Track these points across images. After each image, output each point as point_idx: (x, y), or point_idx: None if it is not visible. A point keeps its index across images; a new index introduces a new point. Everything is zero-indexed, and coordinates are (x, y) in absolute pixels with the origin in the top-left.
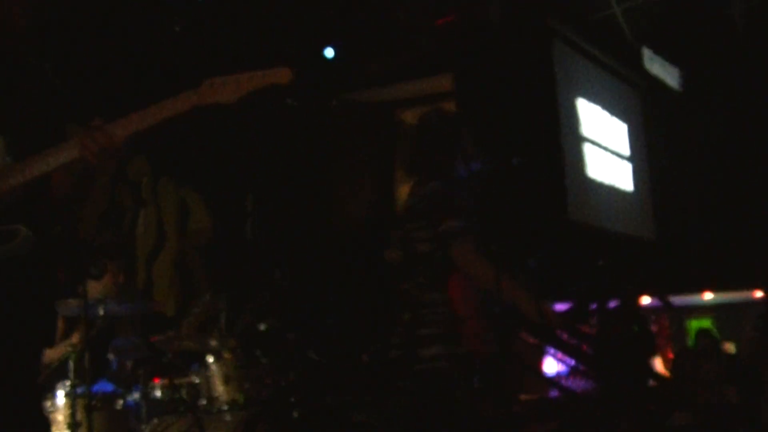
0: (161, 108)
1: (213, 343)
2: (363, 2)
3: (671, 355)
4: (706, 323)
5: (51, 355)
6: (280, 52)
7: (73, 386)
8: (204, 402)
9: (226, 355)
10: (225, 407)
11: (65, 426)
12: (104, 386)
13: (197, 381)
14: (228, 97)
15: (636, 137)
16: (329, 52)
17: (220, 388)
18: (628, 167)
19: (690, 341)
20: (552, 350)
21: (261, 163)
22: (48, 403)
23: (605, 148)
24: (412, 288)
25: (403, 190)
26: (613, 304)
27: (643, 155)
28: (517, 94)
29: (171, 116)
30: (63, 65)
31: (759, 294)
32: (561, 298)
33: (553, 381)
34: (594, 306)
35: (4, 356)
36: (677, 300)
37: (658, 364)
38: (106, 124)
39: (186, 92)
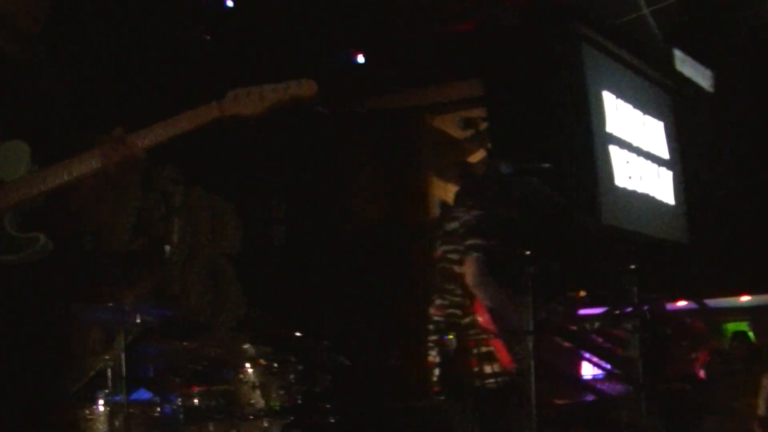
0: (183, 119)
1: (248, 349)
2: (389, 9)
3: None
4: (742, 326)
5: (89, 363)
6: (308, 59)
7: (111, 394)
8: (240, 409)
9: (261, 361)
10: (261, 414)
11: None
12: (142, 394)
13: (233, 388)
14: (251, 109)
15: (669, 139)
16: (360, 59)
17: (255, 395)
18: (662, 170)
19: (726, 344)
20: (587, 354)
21: (290, 170)
22: (87, 411)
23: (639, 151)
24: (447, 306)
25: (435, 193)
26: (646, 307)
27: (676, 157)
28: (546, 98)
29: (193, 128)
30: (88, 73)
31: None
32: (594, 303)
33: (589, 385)
34: (628, 310)
35: (13, 361)
36: (713, 303)
37: (693, 367)
38: (128, 134)
39: (209, 104)
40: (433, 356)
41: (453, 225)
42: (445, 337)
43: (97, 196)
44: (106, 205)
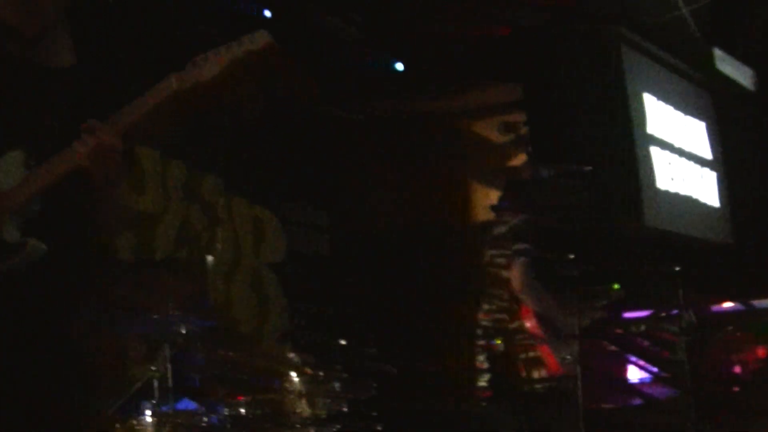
0: (148, 96)
1: (293, 358)
2: (427, 14)
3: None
4: None
5: (134, 374)
6: (347, 67)
7: (157, 405)
8: (286, 418)
9: (307, 370)
10: (307, 422)
11: None
12: (188, 404)
13: (279, 397)
14: (209, 72)
15: (712, 140)
16: (399, 66)
17: (301, 404)
18: (705, 170)
19: None
20: (634, 358)
21: (332, 178)
22: (134, 422)
23: (681, 152)
24: (495, 311)
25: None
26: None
27: (719, 157)
28: (586, 100)
29: (158, 102)
30: (97, 76)
31: None
32: (640, 306)
33: (636, 389)
34: (673, 312)
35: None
36: (759, 304)
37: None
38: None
39: (169, 75)
40: (481, 361)
41: (501, 229)
42: (493, 341)
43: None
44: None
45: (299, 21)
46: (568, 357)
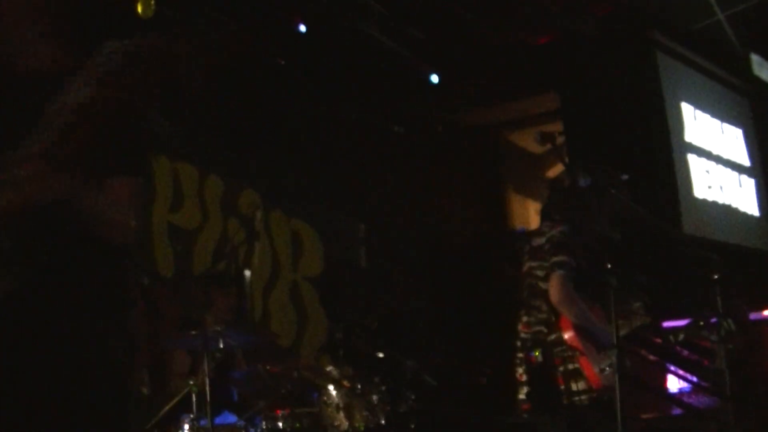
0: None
1: (331, 371)
2: (462, 25)
3: None
4: None
5: (174, 387)
6: (384, 81)
7: (196, 419)
8: (324, 430)
9: (345, 383)
10: None
11: None
12: (227, 418)
13: (317, 410)
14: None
15: (750, 145)
16: (434, 78)
17: (339, 417)
18: (743, 177)
19: None
20: (673, 367)
21: (370, 190)
22: None
23: (719, 158)
24: (534, 323)
25: (519, 210)
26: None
27: (758, 164)
28: (623, 109)
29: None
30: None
31: None
32: (677, 314)
33: (676, 399)
34: (713, 320)
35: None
36: None
37: None
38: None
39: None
40: (521, 373)
41: (540, 240)
42: (532, 353)
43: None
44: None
45: (337, 32)
46: (607, 369)
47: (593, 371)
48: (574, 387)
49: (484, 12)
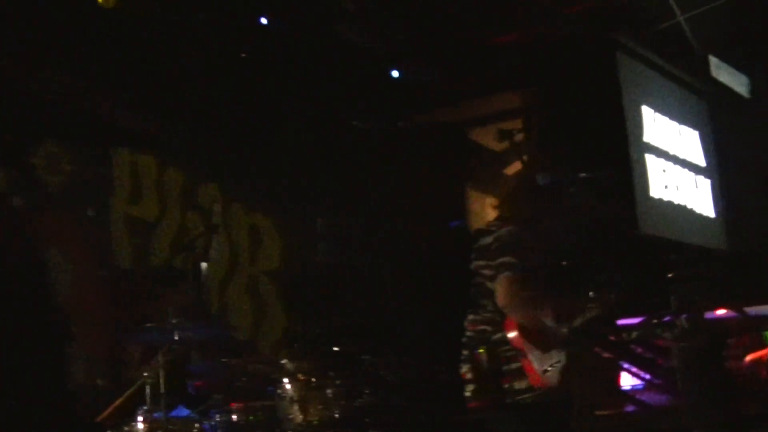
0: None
1: (287, 365)
2: (427, 23)
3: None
4: None
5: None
6: (345, 74)
7: (150, 411)
8: (279, 424)
9: (300, 377)
10: (300, 429)
11: None
12: (181, 411)
13: (272, 403)
14: None
15: (707, 147)
16: (395, 73)
17: (294, 410)
18: (700, 177)
19: None
20: (627, 365)
21: (330, 186)
22: (126, 428)
23: (676, 158)
24: (479, 321)
25: (478, 207)
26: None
27: (714, 165)
28: (582, 108)
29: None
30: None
31: None
32: (633, 312)
33: (630, 396)
34: (666, 319)
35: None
36: (754, 311)
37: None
38: None
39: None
40: (465, 371)
41: (487, 240)
42: (477, 351)
43: None
44: None
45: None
46: (550, 369)
47: (535, 372)
48: (516, 386)
49: (451, 8)
